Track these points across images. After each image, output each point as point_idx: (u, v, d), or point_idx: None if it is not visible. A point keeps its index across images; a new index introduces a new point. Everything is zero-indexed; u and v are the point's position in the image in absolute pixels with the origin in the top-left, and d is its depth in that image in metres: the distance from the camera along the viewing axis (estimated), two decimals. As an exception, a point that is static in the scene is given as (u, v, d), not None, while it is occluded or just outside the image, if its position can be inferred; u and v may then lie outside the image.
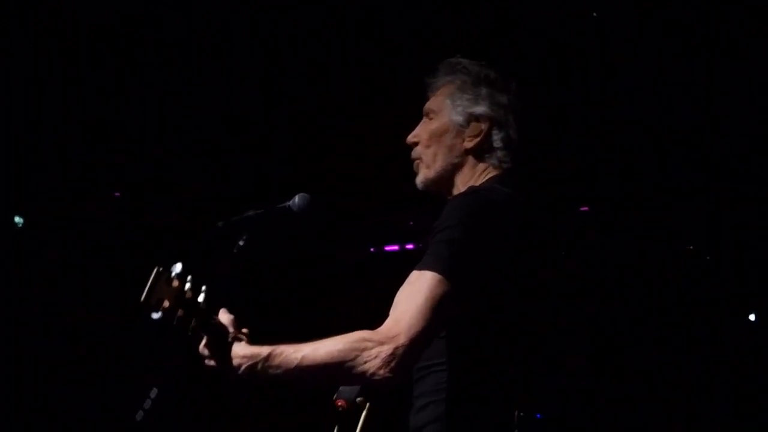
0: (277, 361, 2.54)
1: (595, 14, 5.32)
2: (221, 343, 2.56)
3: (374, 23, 5.57)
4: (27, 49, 5.62)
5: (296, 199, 3.04)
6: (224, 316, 2.66)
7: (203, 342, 2.62)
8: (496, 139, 2.93)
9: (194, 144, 6.35)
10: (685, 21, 5.22)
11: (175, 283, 2.48)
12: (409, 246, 7.04)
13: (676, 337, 6.10)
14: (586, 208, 6.20)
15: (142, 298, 2.44)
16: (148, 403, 3.02)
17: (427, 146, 2.98)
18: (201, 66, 5.92)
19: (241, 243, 3.00)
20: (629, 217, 6.12)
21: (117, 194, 6.57)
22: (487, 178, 2.91)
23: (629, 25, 5.29)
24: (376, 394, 2.75)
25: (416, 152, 3.02)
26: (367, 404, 2.76)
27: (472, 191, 2.83)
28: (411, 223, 6.95)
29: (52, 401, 6.30)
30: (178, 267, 2.48)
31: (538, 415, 2.70)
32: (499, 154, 2.93)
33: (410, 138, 3.04)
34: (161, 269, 2.47)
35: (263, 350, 2.55)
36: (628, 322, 6.10)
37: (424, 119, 3.04)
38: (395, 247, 7.10)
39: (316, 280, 6.78)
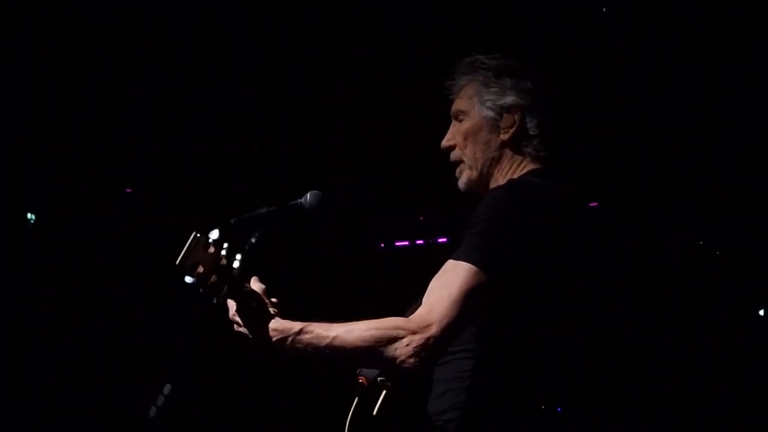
0: (307, 338, 2.58)
1: (604, 9, 5.31)
2: (251, 311, 2.61)
3: (376, 23, 5.57)
4: (29, 48, 5.64)
5: (308, 196, 3.05)
6: (255, 285, 2.70)
7: (234, 309, 2.66)
8: (531, 126, 2.94)
9: (204, 141, 6.38)
10: (685, 21, 5.21)
11: (211, 249, 2.51)
12: (419, 242, 7.06)
13: (686, 332, 6.10)
14: (594, 204, 6.20)
15: (178, 261, 2.46)
16: (161, 400, 3.03)
17: (465, 147, 2.99)
18: (211, 63, 5.94)
19: (253, 240, 3.01)
20: (637, 213, 6.13)
21: (128, 190, 6.60)
22: (525, 170, 2.93)
23: (629, 25, 5.28)
24: (397, 376, 2.78)
25: (455, 155, 3.03)
26: (388, 384, 2.79)
27: (509, 184, 2.86)
28: (421, 218, 6.97)
29: (65, 398, 6.32)
30: (215, 233, 2.52)
31: (559, 409, 2.72)
32: (535, 142, 2.94)
33: (445, 143, 3.05)
34: (198, 234, 2.49)
35: (295, 325, 2.60)
36: (641, 317, 6.10)
37: (454, 122, 3.05)
38: (405, 243, 7.12)
39: (327, 277, 6.80)
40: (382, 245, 7.21)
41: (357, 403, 2.88)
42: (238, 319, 2.68)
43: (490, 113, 2.95)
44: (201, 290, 2.52)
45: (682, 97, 5.61)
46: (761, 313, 6.24)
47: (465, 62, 3.06)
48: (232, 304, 2.65)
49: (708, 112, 5.62)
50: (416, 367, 2.53)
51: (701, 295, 6.16)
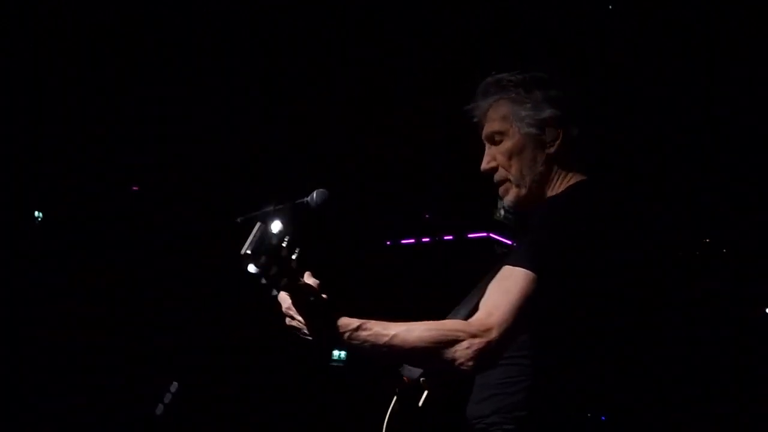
0: (365, 334, 2.60)
1: (611, 6, 5.31)
2: (309, 305, 2.60)
3: (382, 22, 5.58)
4: (28, 48, 5.65)
5: (314, 194, 3.07)
6: (310, 280, 2.69)
7: (288, 302, 2.66)
8: (574, 133, 2.95)
9: (208, 140, 6.39)
10: (685, 21, 5.20)
11: (274, 241, 2.50)
12: (425, 239, 7.07)
13: (692, 329, 6.11)
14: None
15: (243, 251, 2.44)
16: (168, 397, 3.04)
17: (510, 166, 2.97)
18: (211, 62, 5.94)
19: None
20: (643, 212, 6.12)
21: (135, 188, 6.61)
22: (574, 180, 2.94)
23: (629, 25, 5.27)
24: (439, 377, 2.80)
25: (500, 175, 3.00)
26: (429, 385, 2.81)
27: (564, 194, 2.89)
28: (427, 216, 6.97)
29: (73, 395, 6.34)
30: (278, 225, 2.50)
31: (603, 418, 2.74)
32: (579, 150, 2.96)
33: (485, 165, 3.02)
34: (262, 225, 2.49)
35: (353, 321, 2.61)
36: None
37: (489, 146, 3.02)
38: (411, 241, 7.12)
39: (332, 275, 6.81)
40: (388, 243, 7.22)
41: (395, 402, 2.90)
42: (292, 312, 2.66)
43: (532, 129, 2.94)
44: (263, 281, 2.51)
45: (685, 97, 5.61)
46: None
47: (488, 83, 3.03)
48: (285, 298, 2.64)
49: (709, 111, 5.62)
50: (473, 370, 2.58)
51: (708, 293, 6.16)
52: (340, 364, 7.33)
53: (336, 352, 7.36)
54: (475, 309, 2.72)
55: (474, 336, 2.55)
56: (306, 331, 2.63)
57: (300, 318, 2.63)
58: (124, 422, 6.23)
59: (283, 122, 6.35)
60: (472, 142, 5.84)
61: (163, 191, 6.58)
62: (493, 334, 2.55)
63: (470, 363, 2.55)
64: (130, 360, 6.38)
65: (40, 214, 6.50)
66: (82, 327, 6.40)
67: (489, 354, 2.56)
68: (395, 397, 2.92)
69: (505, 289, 2.61)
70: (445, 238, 6.92)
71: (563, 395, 2.71)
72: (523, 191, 2.95)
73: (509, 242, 7.25)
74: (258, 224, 2.48)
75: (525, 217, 2.95)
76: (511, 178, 2.97)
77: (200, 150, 6.44)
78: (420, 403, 2.82)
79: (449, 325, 2.62)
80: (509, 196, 2.98)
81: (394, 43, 5.67)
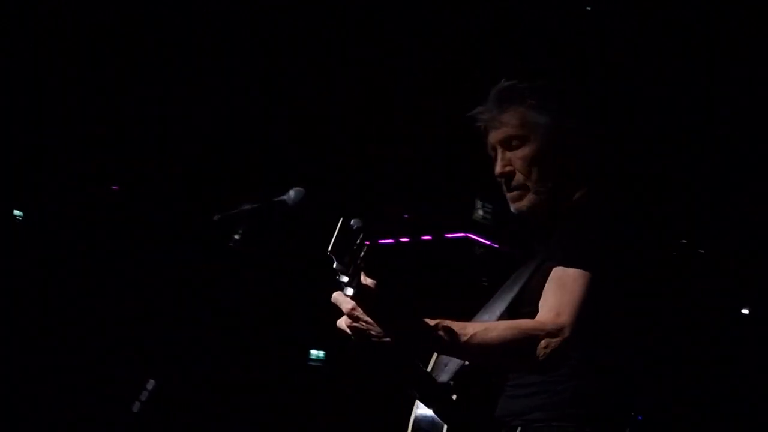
0: (442, 334, 2.58)
1: (588, 8, 5.31)
2: (381, 304, 2.53)
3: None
4: (27, 48, 5.63)
5: (291, 193, 3.08)
6: (368, 281, 2.58)
7: (350, 304, 2.55)
8: (587, 139, 2.99)
9: (188, 140, 6.38)
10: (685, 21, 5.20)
11: (353, 238, 2.44)
12: (404, 239, 7.09)
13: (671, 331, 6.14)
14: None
15: (330, 249, 2.39)
16: (145, 395, 3.04)
17: (529, 173, 2.96)
18: (185, 63, 5.92)
19: (237, 236, 3.03)
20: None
21: (115, 187, 6.61)
22: (593, 187, 2.97)
23: (629, 25, 5.27)
24: (466, 378, 2.81)
25: (517, 181, 2.98)
26: (457, 386, 2.82)
27: (594, 199, 2.93)
28: (406, 216, 6.99)
29: (51, 393, 6.33)
30: (357, 221, 2.45)
31: (640, 417, 2.81)
32: (594, 155, 3.00)
33: (502, 170, 2.99)
34: (344, 221, 2.43)
35: (429, 322, 2.60)
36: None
37: (502, 151, 3.01)
38: (391, 241, 7.14)
39: (313, 274, 6.82)
40: (367, 243, 7.22)
41: (417, 407, 2.91)
42: (358, 313, 2.54)
43: (552, 138, 2.95)
44: (344, 279, 2.43)
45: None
46: (745, 311, 6.29)
47: (502, 89, 3.02)
48: (346, 299, 2.53)
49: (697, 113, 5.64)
50: (550, 367, 2.64)
51: (684, 294, 6.20)
52: (319, 364, 7.35)
53: (314, 352, 7.37)
54: (511, 310, 2.80)
55: (551, 335, 2.61)
56: (376, 333, 2.56)
57: (367, 319, 2.54)
58: (100, 420, 6.23)
59: (257, 122, 6.33)
60: (453, 143, 5.87)
61: (143, 190, 6.58)
62: (567, 333, 2.61)
63: (547, 361, 2.61)
64: (105, 358, 6.38)
65: (21, 214, 6.50)
66: (62, 325, 6.40)
67: (563, 351, 2.62)
68: (416, 402, 2.89)
69: (569, 290, 2.67)
70: (424, 238, 6.95)
71: (611, 394, 2.78)
72: (542, 198, 2.95)
73: (488, 242, 7.29)
74: (341, 220, 2.42)
75: (522, 220, 2.98)
76: (530, 185, 2.96)
77: (182, 148, 6.43)
78: (450, 405, 2.82)
79: (525, 325, 2.66)
80: (524, 202, 2.97)
81: (394, 43, 5.65)
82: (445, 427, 2.78)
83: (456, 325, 2.61)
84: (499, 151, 3.01)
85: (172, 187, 6.50)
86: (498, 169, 3.00)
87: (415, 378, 2.76)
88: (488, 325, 2.66)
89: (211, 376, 6.63)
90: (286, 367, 7.04)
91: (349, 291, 2.46)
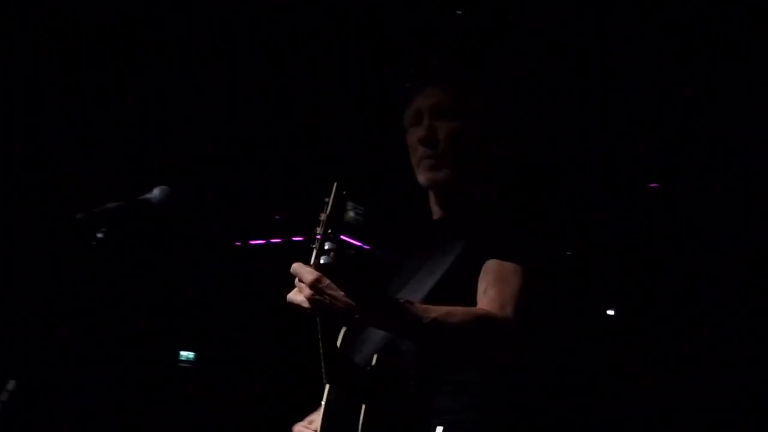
0: (413, 311, 2.50)
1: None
2: (353, 276, 2.41)
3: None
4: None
5: (156, 191, 3.06)
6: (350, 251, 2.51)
7: (316, 274, 2.42)
8: (513, 135, 3.07)
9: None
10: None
11: (342, 205, 2.40)
12: (275, 240, 7.09)
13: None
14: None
15: (327, 213, 2.37)
16: (5, 396, 2.99)
17: (451, 147, 2.92)
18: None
19: (99, 235, 3.00)
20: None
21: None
22: (515, 177, 3.02)
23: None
24: (384, 364, 2.75)
25: (437, 152, 2.93)
26: (375, 373, 2.76)
27: (518, 192, 2.94)
28: (277, 217, 6.99)
29: None
30: (343, 188, 2.41)
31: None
32: (515, 150, 3.06)
33: (430, 134, 2.95)
34: (338, 185, 2.40)
35: (394, 301, 2.53)
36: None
37: (430, 119, 2.97)
38: (261, 242, 7.14)
39: (181, 274, 6.77)
40: (238, 243, 7.21)
41: (329, 392, 2.83)
42: (323, 286, 2.39)
43: (481, 122, 2.96)
44: (326, 247, 2.36)
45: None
46: (610, 312, 6.43)
47: (444, 63, 3.06)
48: (308, 270, 2.40)
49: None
50: (502, 358, 2.67)
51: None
52: (188, 365, 7.28)
53: (184, 353, 7.31)
54: (434, 295, 2.73)
55: (502, 326, 2.59)
56: (340, 307, 2.40)
57: (333, 292, 2.39)
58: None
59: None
60: (326, 143, 5.88)
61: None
62: (513, 326, 2.59)
63: (503, 350, 2.63)
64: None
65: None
66: None
67: (511, 344, 2.62)
68: (327, 387, 2.79)
69: (510, 284, 2.65)
70: (294, 239, 6.97)
71: (533, 390, 2.80)
72: (457, 175, 2.92)
73: (357, 243, 7.33)
74: (335, 184, 2.39)
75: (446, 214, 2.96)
76: (450, 158, 2.92)
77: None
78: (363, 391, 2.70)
79: (480, 313, 2.60)
80: (441, 174, 2.93)
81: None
82: (363, 408, 2.67)
83: (419, 308, 2.52)
84: (426, 116, 2.97)
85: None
86: (422, 132, 2.95)
87: (334, 357, 2.64)
88: (449, 310, 2.54)
89: (77, 379, 6.52)
90: (156, 369, 6.96)
91: (323, 260, 2.37)
